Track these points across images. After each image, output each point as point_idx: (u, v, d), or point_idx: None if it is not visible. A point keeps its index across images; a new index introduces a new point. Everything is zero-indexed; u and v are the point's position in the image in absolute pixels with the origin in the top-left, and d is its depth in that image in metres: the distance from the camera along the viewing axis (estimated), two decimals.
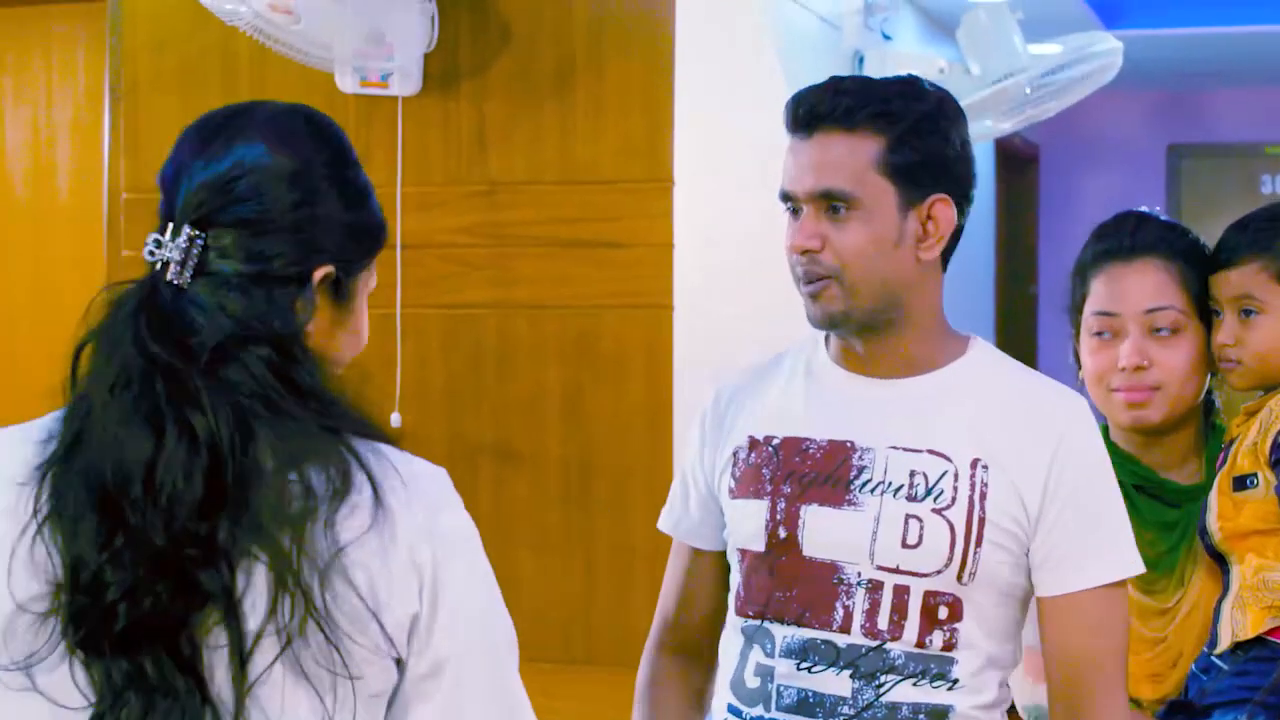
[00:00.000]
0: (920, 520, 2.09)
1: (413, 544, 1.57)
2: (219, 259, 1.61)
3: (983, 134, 4.55)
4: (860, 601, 2.10)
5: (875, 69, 4.71)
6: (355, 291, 1.70)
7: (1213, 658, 2.34)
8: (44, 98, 4.56)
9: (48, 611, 1.52)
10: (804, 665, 2.11)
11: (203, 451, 1.51)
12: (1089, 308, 2.52)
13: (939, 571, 2.09)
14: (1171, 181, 8.46)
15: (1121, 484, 2.21)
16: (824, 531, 2.12)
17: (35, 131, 4.57)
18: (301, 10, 3.50)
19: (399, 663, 1.59)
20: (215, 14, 3.58)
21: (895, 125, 2.09)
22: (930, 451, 2.12)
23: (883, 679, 2.09)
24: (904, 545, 2.09)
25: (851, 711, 2.08)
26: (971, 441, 2.11)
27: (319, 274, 1.64)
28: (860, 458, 2.13)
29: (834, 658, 2.10)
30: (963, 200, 2.16)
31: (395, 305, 3.66)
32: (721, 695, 2.21)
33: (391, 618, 1.55)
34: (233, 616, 1.51)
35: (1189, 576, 2.46)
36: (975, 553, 2.08)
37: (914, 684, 2.09)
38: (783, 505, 2.15)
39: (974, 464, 2.10)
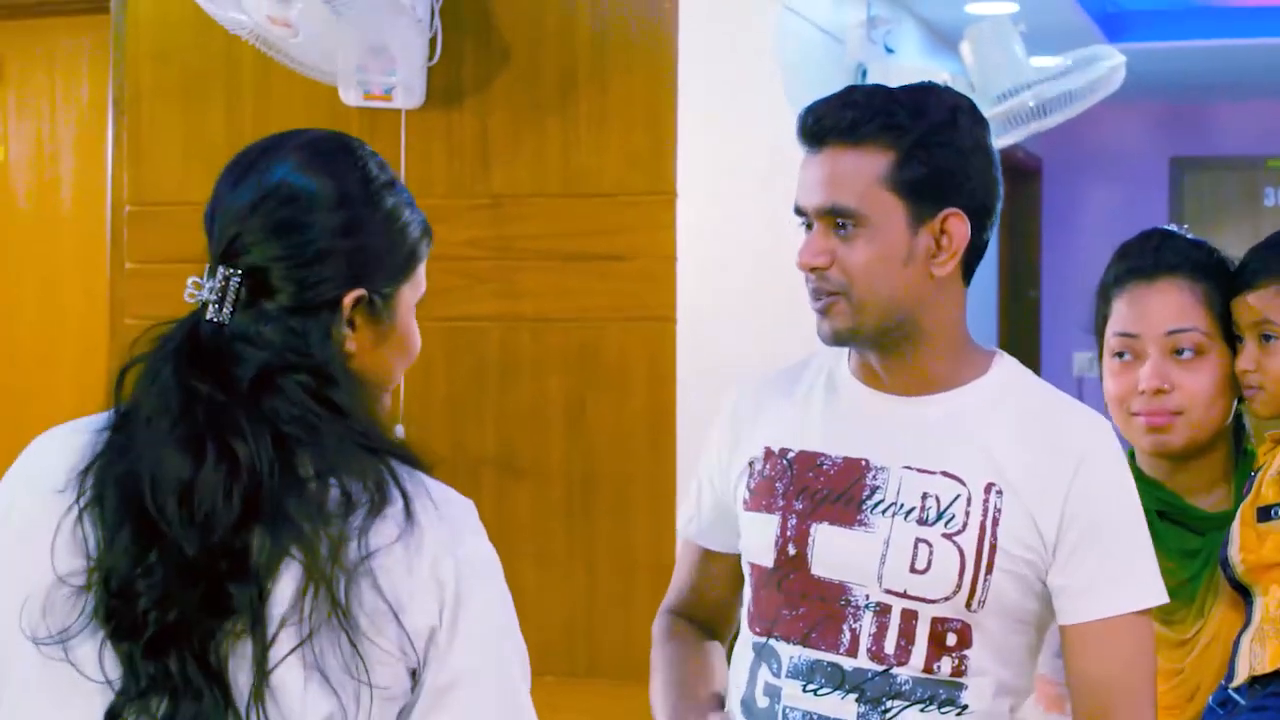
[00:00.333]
0: (930, 545, 2.04)
1: (437, 558, 1.61)
2: (254, 292, 1.65)
3: None
4: (867, 625, 2.05)
5: (878, 82, 4.71)
6: (395, 307, 1.73)
7: (1230, 691, 2.25)
8: (48, 111, 4.57)
9: (84, 586, 1.57)
10: (810, 687, 2.07)
11: (243, 475, 1.56)
12: (1110, 328, 2.44)
13: (947, 598, 2.03)
14: (1174, 194, 8.46)
15: (1144, 510, 2.15)
16: (833, 551, 2.08)
17: (39, 144, 4.57)
18: (300, 23, 3.50)
19: (415, 675, 1.61)
20: (220, 23, 3.59)
21: (903, 138, 2.04)
22: (944, 474, 2.06)
23: (889, 704, 2.04)
24: (912, 570, 2.04)
25: None
26: (987, 464, 2.06)
27: (349, 298, 1.67)
28: (874, 477, 2.08)
29: (839, 681, 2.06)
30: (980, 213, 2.09)
31: None
32: (734, 713, 2.19)
33: (410, 623, 1.59)
34: (259, 626, 1.55)
35: (1209, 607, 2.37)
36: (986, 580, 2.03)
37: (921, 710, 2.04)
38: (793, 522, 2.10)
39: (988, 488, 2.05)
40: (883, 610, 2.05)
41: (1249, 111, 8.28)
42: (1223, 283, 2.40)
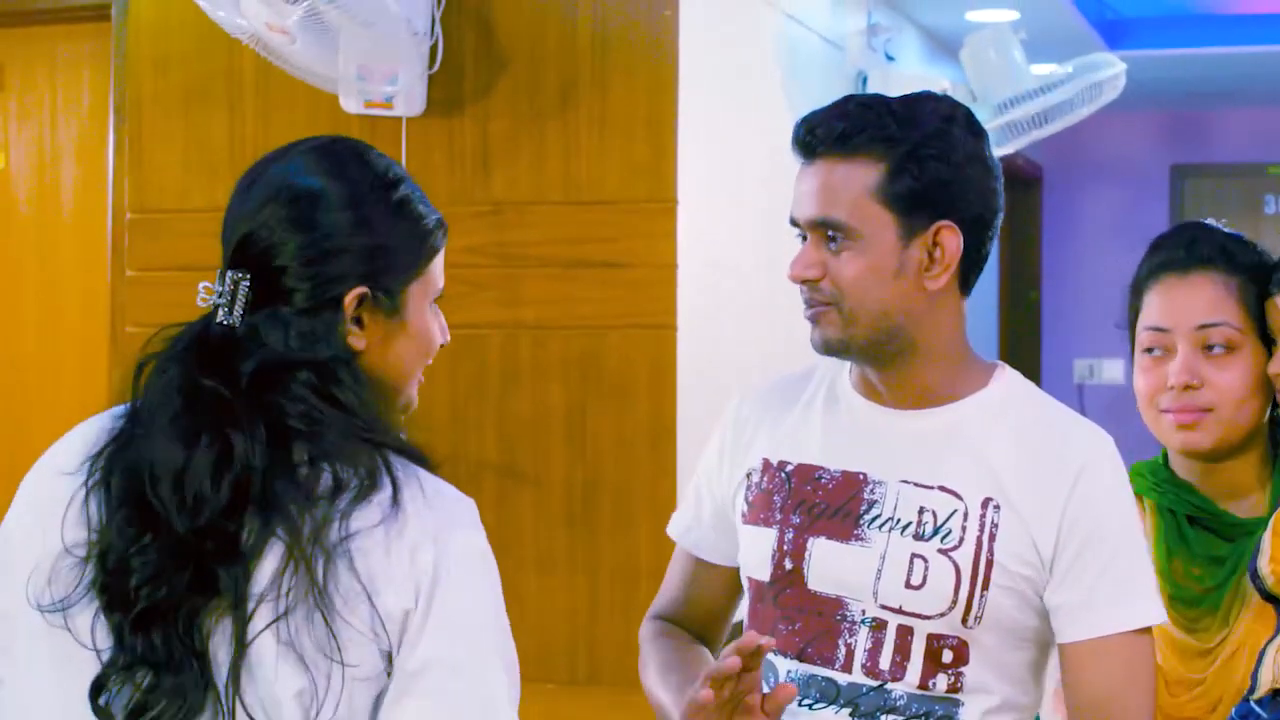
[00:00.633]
0: (925, 560, 2.02)
1: (418, 544, 1.63)
2: (262, 294, 1.69)
3: None
4: (863, 640, 2.04)
5: (878, 90, 4.71)
6: (404, 303, 1.75)
7: (1252, 703, 2.15)
8: (49, 117, 4.57)
9: (85, 557, 1.64)
10: (804, 702, 2.06)
11: (235, 462, 1.61)
12: (1141, 323, 2.36)
13: (943, 614, 2.02)
14: (1174, 201, 8.46)
15: (1173, 515, 2.09)
16: (829, 566, 2.06)
17: (40, 151, 4.57)
18: (298, 31, 3.50)
19: (390, 659, 1.62)
20: (223, 27, 3.59)
21: (894, 150, 2.01)
22: (941, 489, 2.04)
23: (883, 719, 2.03)
24: (907, 586, 2.02)
25: None
26: (984, 479, 2.03)
27: (350, 296, 1.70)
28: (872, 491, 2.07)
29: (834, 696, 2.05)
30: (976, 225, 2.07)
31: None
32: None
33: (383, 604, 1.61)
34: (240, 603, 1.59)
35: (1234, 616, 2.27)
36: (982, 596, 2.01)
37: None
38: (790, 536, 2.09)
39: (985, 503, 2.02)
40: (878, 626, 2.04)
41: (1249, 119, 8.28)
42: (1260, 278, 2.31)
